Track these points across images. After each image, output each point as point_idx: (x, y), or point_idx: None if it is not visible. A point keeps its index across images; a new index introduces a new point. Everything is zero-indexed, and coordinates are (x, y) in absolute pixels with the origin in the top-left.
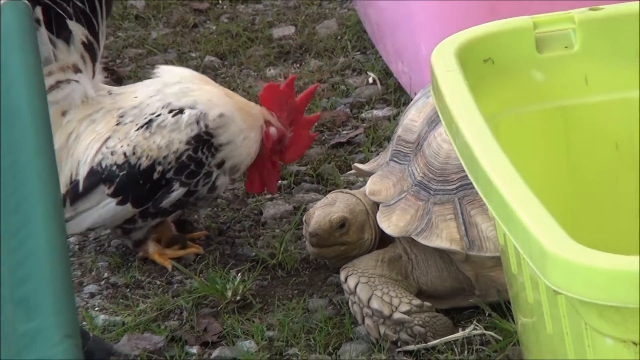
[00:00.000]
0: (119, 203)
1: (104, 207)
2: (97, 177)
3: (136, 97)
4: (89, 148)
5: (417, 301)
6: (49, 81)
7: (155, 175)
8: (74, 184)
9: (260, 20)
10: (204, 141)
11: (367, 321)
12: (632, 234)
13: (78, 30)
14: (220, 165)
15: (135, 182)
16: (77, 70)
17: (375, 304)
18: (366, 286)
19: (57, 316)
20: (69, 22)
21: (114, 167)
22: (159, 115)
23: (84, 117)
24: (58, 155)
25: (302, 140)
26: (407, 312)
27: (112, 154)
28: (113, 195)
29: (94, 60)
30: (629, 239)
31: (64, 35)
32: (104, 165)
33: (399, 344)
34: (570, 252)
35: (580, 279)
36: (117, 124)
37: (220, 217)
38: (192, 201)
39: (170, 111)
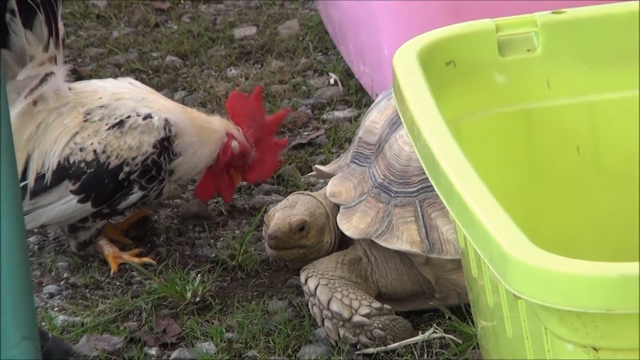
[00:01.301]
0: (81, 201)
1: (63, 204)
2: (64, 172)
3: (101, 97)
4: (57, 141)
5: (377, 304)
6: (40, 72)
7: (121, 176)
8: (39, 176)
9: (221, 20)
10: (165, 147)
11: (327, 323)
12: (593, 238)
13: (48, 23)
14: (170, 173)
15: (100, 181)
16: (55, 62)
17: (335, 306)
18: (326, 288)
19: (15, 317)
20: (40, 15)
21: (82, 164)
22: (129, 117)
23: (53, 109)
24: (27, 144)
25: (267, 163)
26: (366, 315)
27: (81, 150)
28: (76, 192)
29: (62, 52)
30: (590, 243)
31: (29, 25)
32: (71, 161)
33: (358, 346)
34: (531, 257)
35: (541, 283)
36: (84, 121)
37: (181, 218)
38: (138, 205)
39: (138, 115)
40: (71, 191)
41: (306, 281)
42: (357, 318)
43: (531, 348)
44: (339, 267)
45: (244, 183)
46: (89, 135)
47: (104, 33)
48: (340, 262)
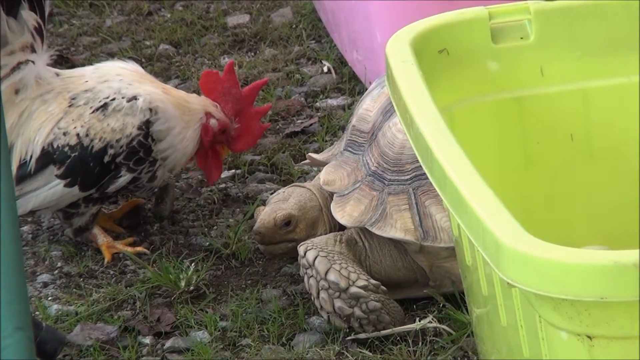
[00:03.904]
0: (67, 185)
1: (50, 189)
2: (48, 157)
3: (87, 81)
4: (41, 128)
5: (374, 281)
6: (11, 62)
7: (106, 159)
8: (22, 163)
9: (215, 8)
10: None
11: (322, 295)
12: (587, 226)
13: (29, 13)
14: (164, 158)
15: (85, 164)
16: (33, 50)
17: (332, 276)
18: (325, 259)
19: (8, 307)
20: (24, 4)
21: (66, 148)
22: (113, 99)
23: (36, 97)
24: (9, 133)
25: (252, 131)
26: (363, 287)
27: (64, 134)
28: (62, 177)
29: (42, 39)
30: (584, 230)
31: (13, 13)
32: (55, 146)
33: (353, 333)
34: (525, 245)
35: (535, 271)
36: (69, 106)
37: (174, 207)
38: (131, 189)
39: (123, 97)
40: (56, 176)
41: (305, 253)
42: (354, 289)
43: (525, 336)
44: (337, 245)
45: (239, 171)
46: (72, 120)
47: (97, 21)
48: (339, 240)
